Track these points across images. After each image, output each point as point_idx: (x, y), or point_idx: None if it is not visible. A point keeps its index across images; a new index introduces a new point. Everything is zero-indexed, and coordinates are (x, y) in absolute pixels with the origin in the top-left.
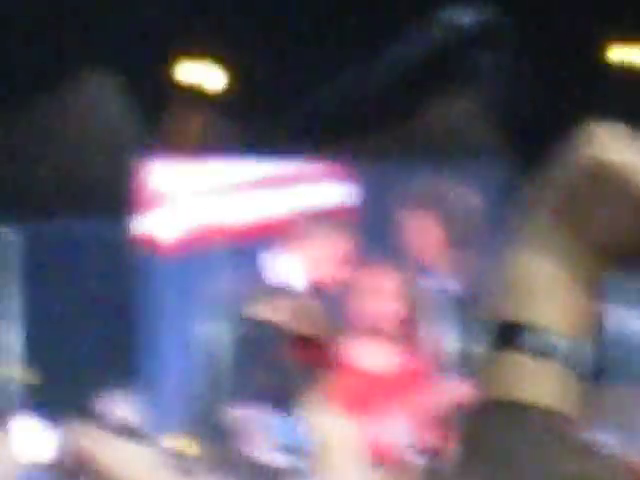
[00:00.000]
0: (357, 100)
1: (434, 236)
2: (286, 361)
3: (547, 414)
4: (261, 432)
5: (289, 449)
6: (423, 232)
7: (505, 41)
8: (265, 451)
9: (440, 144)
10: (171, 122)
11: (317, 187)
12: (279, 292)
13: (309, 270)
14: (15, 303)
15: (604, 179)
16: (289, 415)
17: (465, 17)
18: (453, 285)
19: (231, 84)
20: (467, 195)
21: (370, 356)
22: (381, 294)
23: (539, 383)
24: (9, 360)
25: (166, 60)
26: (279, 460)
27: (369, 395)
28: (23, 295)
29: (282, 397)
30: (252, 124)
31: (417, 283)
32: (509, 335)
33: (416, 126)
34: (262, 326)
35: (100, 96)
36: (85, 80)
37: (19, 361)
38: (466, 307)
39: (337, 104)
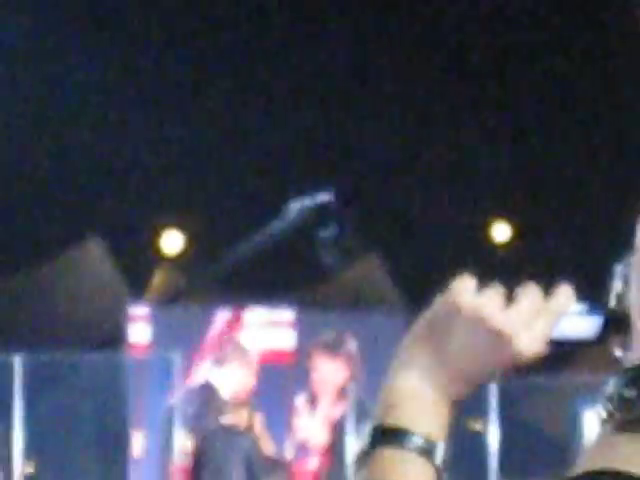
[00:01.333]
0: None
1: (342, 373)
2: None
3: None
4: None
5: None
6: (333, 371)
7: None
8: None
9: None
10: (149, 280)
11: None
12: None
13: None
14: (18, 420)
15: (457, 315)
16: None
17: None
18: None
19: (189, 248)
20: (353, 341)
21: None
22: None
23: (410, 473)
24: (13, 462)
25: (144, 231)
26: None
27: None
28: (25, 412)
29: None
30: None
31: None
32: (383, 437)
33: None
34: None
35: (93, 259)
36: (82, 247)
37: (22, 463)
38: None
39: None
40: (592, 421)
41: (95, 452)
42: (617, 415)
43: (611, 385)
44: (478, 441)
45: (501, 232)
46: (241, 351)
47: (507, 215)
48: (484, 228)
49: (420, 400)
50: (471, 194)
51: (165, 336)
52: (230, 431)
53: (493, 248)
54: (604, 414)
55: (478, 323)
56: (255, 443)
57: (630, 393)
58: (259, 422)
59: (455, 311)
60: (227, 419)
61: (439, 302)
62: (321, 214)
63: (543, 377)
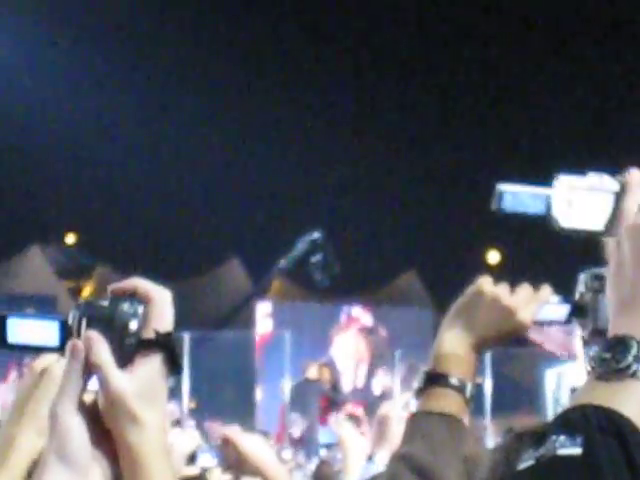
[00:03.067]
0: None
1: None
2: None
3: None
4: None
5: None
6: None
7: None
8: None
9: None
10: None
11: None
12: None
13: None
14: (185, 374)
15: (481, 298)
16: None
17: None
18: None
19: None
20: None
21: None
22: None
23: (450, 402)
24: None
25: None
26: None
27: None
28: (190, 370)
29: None
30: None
31: None
32: (432, 379)
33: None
34: None
35: (234, 272)
36: (227, 264)
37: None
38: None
39: None
40: (550, 377)
41: (234, 395)
42: (597, 370)
43: (593, 350)
44: (478, 389)
45: (493, 257)
46: None
47: (498, 245)
48: (481, 254)
49: (456, 355)
50: (473, 232)
51: (278, 322)
52: (309, 381)
53: (488, 268)
54: (589, 369)
55: (494, 302)
56: (324, 388)
57: (606, 355)
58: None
59: (479, 295)
60: (309, 374)
61: (468, 291)
62: (312, 246)
63: (520, 348)
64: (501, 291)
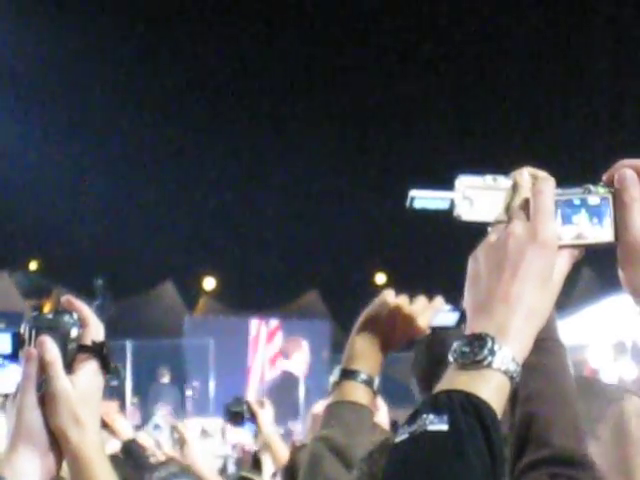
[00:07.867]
0: None
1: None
2: None
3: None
4: None
5: None
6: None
7: None
8: None
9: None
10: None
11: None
12: None
13: None
14: (128, 375)
15: (385, 307)
16: None
17: None
18: None
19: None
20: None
21: None
22: None
23: (360, 394)
24: (126, 397)
25: (195, 277)
26: None
27: None
28: (132, 371)
29: None
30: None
31: None
32: (345, 374)
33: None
34: None
35: (169, 292)
36: (163, 285)
37: (130, 397)
38: None
39: None
40: None
41: (169, 391)
42: (458, 361)
43: (455, 344)
44: None
45: (380, 278)
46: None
47: (384, 268)
48: (371, 276)
49: (365, 355)
50: (364, 258)
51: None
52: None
53: (376, 289)
54: (451, 360)
55: (396, 310)
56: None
57: (465, 349)
58: None
59: (384, 304)
60: None
61: (375, 301)
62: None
63: (403, 352)
64: (402, 301)
